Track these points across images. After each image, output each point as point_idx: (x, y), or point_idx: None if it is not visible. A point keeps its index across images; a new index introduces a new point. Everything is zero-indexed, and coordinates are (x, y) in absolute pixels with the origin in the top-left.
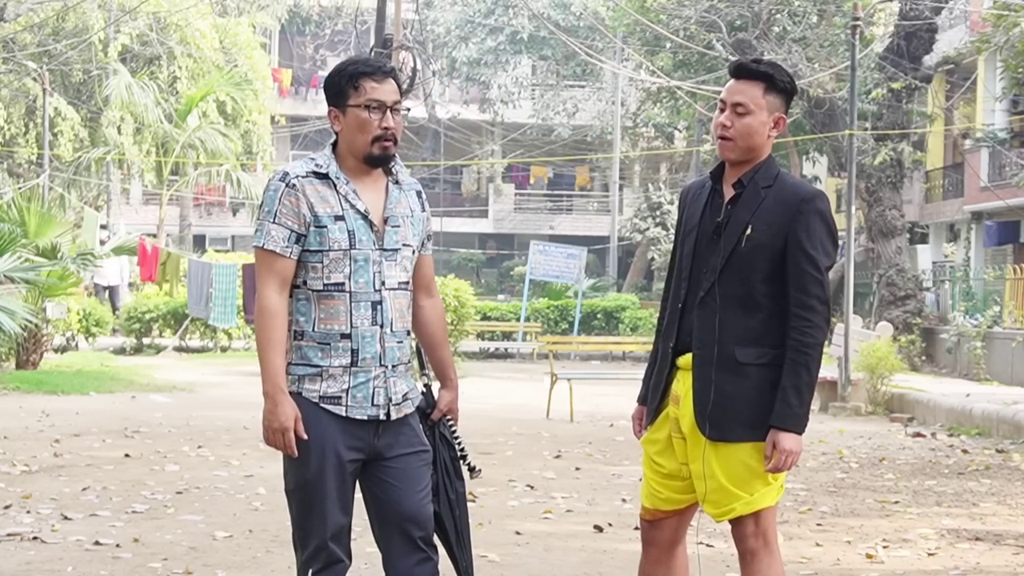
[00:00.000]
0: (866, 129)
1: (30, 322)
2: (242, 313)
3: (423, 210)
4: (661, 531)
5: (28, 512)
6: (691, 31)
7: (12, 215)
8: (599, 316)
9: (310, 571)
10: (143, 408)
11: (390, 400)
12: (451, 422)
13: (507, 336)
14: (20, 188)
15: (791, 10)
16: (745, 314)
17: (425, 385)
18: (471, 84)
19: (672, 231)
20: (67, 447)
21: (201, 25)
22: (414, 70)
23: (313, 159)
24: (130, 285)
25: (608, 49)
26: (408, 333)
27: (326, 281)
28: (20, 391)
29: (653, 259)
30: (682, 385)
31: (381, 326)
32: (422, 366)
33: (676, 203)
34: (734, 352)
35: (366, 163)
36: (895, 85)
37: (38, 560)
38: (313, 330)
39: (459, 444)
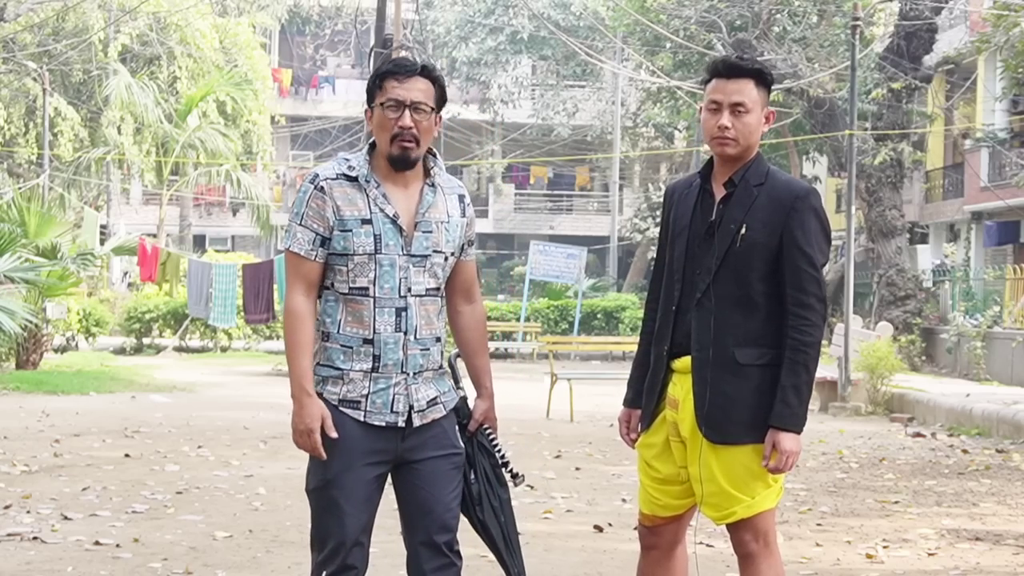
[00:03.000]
0: (866, 129)
1: (30, 322)
2: (242, 313)
3: (463, 215)
4: (660, 536)
5: (28, 512)
6: (691, 31)
7: (12, 215)
8: (599, 316)
9: (324, 573)
10: (143, 408)
11: (411, 407)
12: (489, 431)
13: (507, 336)
14: (20, 188)
15: (791, 10)
16: (743, 314)
17: (462, 398)
18: (471, 84)
19: None
20: (67, 447)
21: (201, 25)
22: None
23: (347, 160)
24: (129, 285)
25: (608, 49)
26: (437, 340)
27: (351, 285)
28: (20, 391)
29: (653, 259)
30: (680, 389)
31: (405, 332)
32: (456, 380)
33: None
34: (734, 354)
35: (389, 164)
36: (895, 85)
37: (38, 560)
38: (338, 332)
39: (499, 452)
